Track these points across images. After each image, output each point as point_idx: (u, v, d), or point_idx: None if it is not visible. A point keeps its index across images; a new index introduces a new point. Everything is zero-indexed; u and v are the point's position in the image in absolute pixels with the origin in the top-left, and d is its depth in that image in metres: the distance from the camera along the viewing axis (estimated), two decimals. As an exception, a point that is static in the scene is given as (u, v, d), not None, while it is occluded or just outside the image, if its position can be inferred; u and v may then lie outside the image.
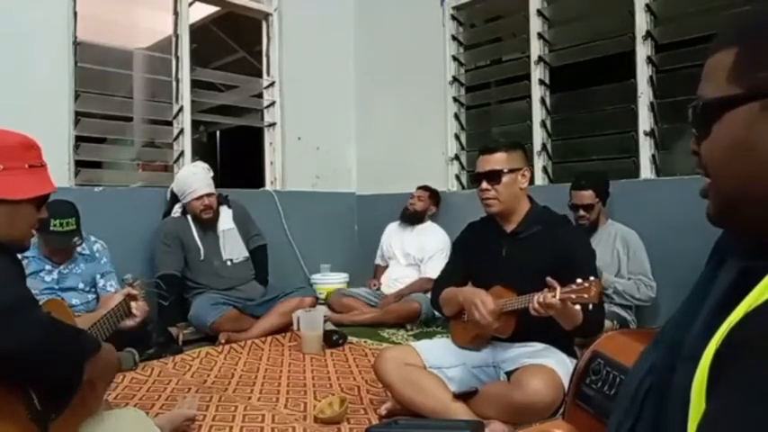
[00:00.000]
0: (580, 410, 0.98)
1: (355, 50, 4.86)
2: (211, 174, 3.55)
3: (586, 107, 3.67)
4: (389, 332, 3.49)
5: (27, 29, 3.21)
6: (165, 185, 3.69)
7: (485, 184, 2.02)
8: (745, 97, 0.57)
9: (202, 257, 3.43)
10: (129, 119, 3.92)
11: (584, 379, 0.99)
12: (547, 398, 1.78)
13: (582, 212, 3.04)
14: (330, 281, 4.30)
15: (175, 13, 3.95)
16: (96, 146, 3.73)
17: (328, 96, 4.70)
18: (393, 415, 2.05)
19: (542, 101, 3.78)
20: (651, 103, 3.28)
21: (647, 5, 3.28)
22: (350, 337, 3.24)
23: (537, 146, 3.77)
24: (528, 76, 3.82)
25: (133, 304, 1.82)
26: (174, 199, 3.55)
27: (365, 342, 3.25)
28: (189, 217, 3.47)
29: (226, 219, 3.58)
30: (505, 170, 2.00)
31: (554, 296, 1.69)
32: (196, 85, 4.05)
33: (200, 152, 5.02)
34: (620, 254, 3.00)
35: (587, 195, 3.04)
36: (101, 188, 3.53)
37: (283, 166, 4.49)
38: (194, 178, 3.45)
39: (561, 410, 1.32)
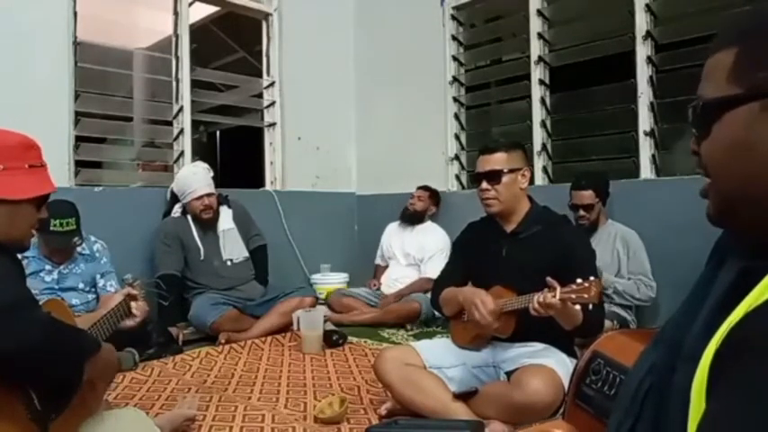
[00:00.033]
0: (580, 410, 0.98)
1: (355, 50, 4.86)
2: (211, 174, 3.55)
3: (586, 107, 3.67)
4: (389, 332, 3.49)
5: (27, 29, 3.21)
6: (165, 185, 3.69)
7: (485, 184, 2.02)
8: (745, 97, 0.57)
9: (202, 257, 3.43)
10: (129, 119, 3.92)
11: (584, 379, 0.99)
12: (547, 398, 1.78)
13: (582, 212, 3.04)
14: (330, 281, 4.30)
15: (175, 13, 3.95)
16: (96, 146, 3.73)
17: (328, 96, 4.70)
18: (393, 415, 2.05)
19: (542, 101, 3.78)
20: (651, 103, 3.28)
21: (647, 5, 3.28)
22: (350, 337, 3.24)
23: (537, 146, 3.77)
24: (528, 76, 3.82)
25: (133, 304, 1.82)
26: (174, 199, 3.55)
27: (365, 342, 3.25)
28: (189, 217, 3.47)
29: (226, 219, 3.58)
30: (505, 170, 2.00)
31: (554, 296, 1.70)
32: (196, 85, 4.05)
33: (201, 152, 5.02)
34: (620, 254, 3.00)
35: (587, 195, 3.04)
36: (101, 188, 3.53)
37: (283, 166, 4.49)
38: (194, 178, 3.46)
39: (561, 410, 1.32)
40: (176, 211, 3.53)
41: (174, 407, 2.11)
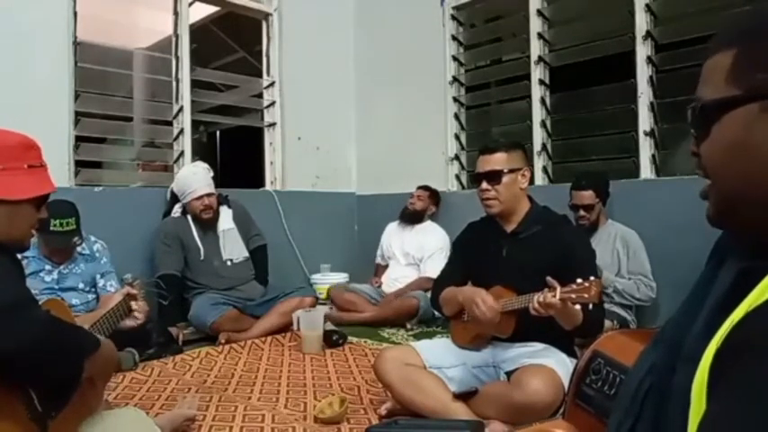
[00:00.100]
0: (580, 410, 0.98)
1: (355, 50, 4.86)
2: (211, 174, 3.55)
3: (586, 107, 3.67)
4: (389, 332, 3.50)
5: (27, 29, 3.21)
6: (165, 185, 3.69)
7: (485, 185, 2.02)
8: (744, 98, 0.57)
9: (202, 257, 3.43)
10: (129, 119, 3.92)
11: (584, 379, 0.99)
12: (547, 398, 1.78)
13: (582, 212, 3.04)
14: (330, 281, 4.30)
15: (175, 13, 3.95)
16: (96, 146, 3.73)
17: (328, 96, 4.70)
18: (393, 415, 2.05)
19: (542, 101, 3.78)
20: (651, 103, 3.28)
21: (647, 5, 3.28)
22: (350, 337, 3.24)
23: (537, 146, 3.77)
24: (528, 76, 3.82)
25: (133, 304, 1.82)
26: (174, 199, 3.55)
27: (365, 342, 3.25)
28: (189, 217, 3.47)
29: (226, 219, 3.58)
30: (505, 170, 2.00)
31: (554, 296, 1.70)
32: (196, 85, 4.05)
33: (201, 152, 5.02)
34: (620, 254, 3.00)
35: (587, 195, 3.04)
36: (101, 188, 3.53)
37: (283, 166, 4.49)
38: (194, 178, 3.46)
39: (561, 410, 1.32)
40: (176, 211, 3.53)
41: (174, 407, 2.11)
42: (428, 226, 4.01)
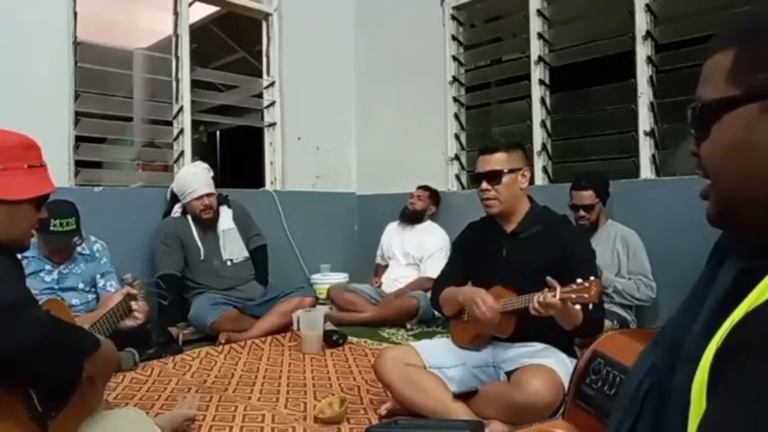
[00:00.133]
0: (580, 410, 0.98)
1: (355, 50, 4.86)
2: (211, 174, 3.55)
3: (586, 107, 3.67)
4: (389, 332, 3.50)
5: (27, 29, 3.21)
6: (165, 185, 3.69)
7: (485, 185, 2.02)
8: (744, 98, 0.57)
9: (202, 257, 3.43)
10: (129, 119, 3.92)
11: (584, 379, 0.99)
12: (547, 398, 1.78)
13: (582, 213, 3.04)
14: (330, 281, 4.30)
15: (175, 13, 3.95)
16: (96, 146, 3.73)
17: (328, 96, 4.70)
18: (393, 415, 2.05)
19: (542, 101, 3.78)
20: (651, 103, 3.28)
21: (647, 5, 3.28)
22: (350, 337, 3.24)
23: (537, 146, 3.77)
24: (528, 76, 3.82)
25: (133, 304, 1.82)
26: (174, 199, 3.55)
27: (365, 342, 3.25)
28: (189, 217, 3.47)
29: (226, 219, 3.58)
30: (505, 170, 2.00)
31: (554, 296, 1.70)
32: (196, 85, 4.05)
33: (201, 152, 5.02)
34: (620, 254, 3.00)
35: (587, 195, 3.04)
36: (101, 188, 3.53)
37: (283, 166, 4.49)
38: (194, 178, 3.46)
39: (561, 410, 1.32)
40: (176, 211, 3.53)
41: (174, 407, 2.11)
42: (428, 226, 4.01)
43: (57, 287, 2.77)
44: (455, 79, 4.27)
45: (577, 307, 1.69)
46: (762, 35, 0.58)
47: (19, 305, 1.13)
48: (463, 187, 4.26)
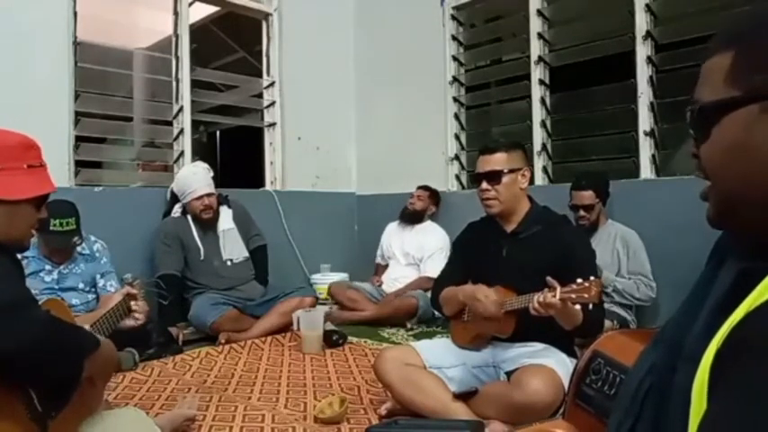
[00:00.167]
0: (580, 410, 0.98)
1: (355, 50, 4.86)
2: (211, 174, 3.55)
3: (586, 107, 3.67)
4: (389, 332, 3.50)
5: (27, 29, 3.21)
6: (165, 185, 3.69)
7: (485, 185, 2.02)
8: (744, 100, 0.57)
9: (202, 257, 3.43)
10: (129, 119, 3.92)
11: (584, 379, 0.99)
12: (547, 398, 1.78)
13: (582, 213, 3.04)
14: (330, 281, 4.29)
15: (175, 13, 3.95)
16: (96, 146, 3.74)
17: (328, 96, 4.70)
18: (393, 415, 2.05)
19: (542, 101, 3.78)
20: (651, 103, 3.28)
21: (647, 5, 3.28)
22: (350, 337, 3.24)
23: (537, 146, 3.77)
24: (528, 76, 3.82)
25: (133, 304, 1.82)
26: (174, 199, 3.55)
27: (365, 342, 3.25)
28: (189, 217, 3.47)
29: (226, 219, 3.58)
30: (505, 170, 2.00)
31: (554, 296, 1.70)
32: (196, 85, 4.05)
33: (201, 152, 5.02)
34: (620, 254, 3.00)
35: (587, 196, 3.04)
36: (101, 188, 3.53)
37: (283, 166, 4.49)
38: (194, 178, 3.46)
39: (561, 410, 1.32)
40: (176, 211, 3.53)
41: (174, 407, 2.11)
42: (428, 226, 4.01)
43: (57, 287, 2.77)
44: (455, 79, 4.27)
45: (577, 307, 1.69)
46: (760, 36, 0.58)
47: (19, 305, 1.13)
48: (463, 187, 4.26)
